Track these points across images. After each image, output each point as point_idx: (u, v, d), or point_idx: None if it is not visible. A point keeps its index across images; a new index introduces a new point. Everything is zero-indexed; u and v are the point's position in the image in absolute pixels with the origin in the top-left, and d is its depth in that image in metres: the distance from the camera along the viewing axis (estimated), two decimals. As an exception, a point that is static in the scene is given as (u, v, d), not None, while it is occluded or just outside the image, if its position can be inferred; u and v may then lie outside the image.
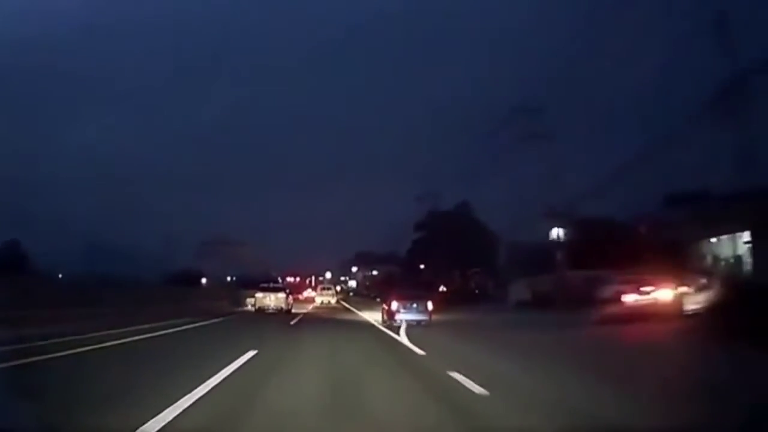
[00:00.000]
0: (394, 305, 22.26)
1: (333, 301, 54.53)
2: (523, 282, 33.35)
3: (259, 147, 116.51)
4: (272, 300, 32.78)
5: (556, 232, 36.95)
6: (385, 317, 23.57)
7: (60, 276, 39.30)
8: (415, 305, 22.26)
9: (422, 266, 44.08)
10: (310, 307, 46.56)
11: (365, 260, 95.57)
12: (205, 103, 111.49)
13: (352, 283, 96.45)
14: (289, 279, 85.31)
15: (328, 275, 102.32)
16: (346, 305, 48.69)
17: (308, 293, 66.74)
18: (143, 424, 4.77)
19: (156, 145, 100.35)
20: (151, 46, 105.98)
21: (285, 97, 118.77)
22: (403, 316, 21.74)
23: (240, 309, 36.10)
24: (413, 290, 25.78)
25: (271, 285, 36.42)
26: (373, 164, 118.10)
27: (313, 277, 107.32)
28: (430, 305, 22.54)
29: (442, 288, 32.54)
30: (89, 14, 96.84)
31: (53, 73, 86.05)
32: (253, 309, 33.46)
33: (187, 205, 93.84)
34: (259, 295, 33.44)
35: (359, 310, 37.72)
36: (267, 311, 31.57)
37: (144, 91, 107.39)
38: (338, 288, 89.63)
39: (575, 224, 35.94)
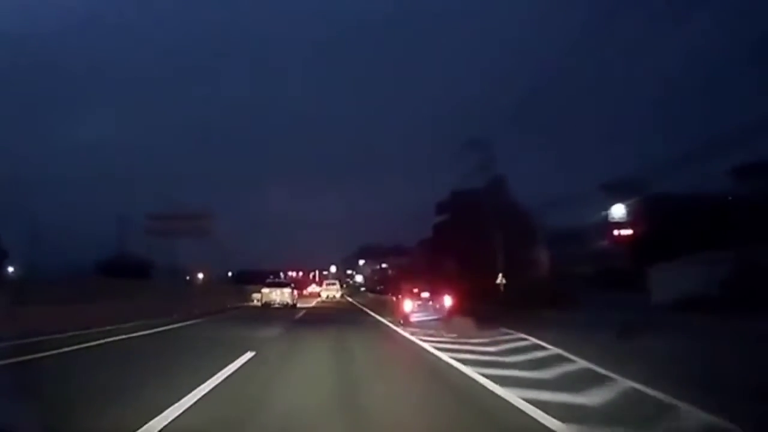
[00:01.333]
0: (408, 305, 19.67)
1: (338, 295, 56.11)
2: (682, 263, 18.83)
3: (259, 143, 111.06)
4: (278, 295, 33.52)
5: (618, 210, 30.09)
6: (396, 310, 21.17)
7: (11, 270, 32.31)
8: (430, 302, 20.04)
9: (447, 254, 36.80)
10: (314, 302, 45.19)
11: (371, 253, 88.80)
12: (205, 100, 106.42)
13: (359, 278, 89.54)
14: (292, 273, 79.11)
15: (333, 269, 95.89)
16: (358, 304, 40.03)
17: (312, 288, 67.63)
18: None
19: (156, 140, 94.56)
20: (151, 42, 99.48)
21: (286, 93, 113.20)
22: (418, 316, 19.42)
23: (245, 304, 35.59)
24: (430, 284, 22.70)
25: (276, 281, 37.52)
26: (376, 158, 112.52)
27: (317, 272, 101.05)
28: (448, 300, 19.96)
29: (500, 280, 23.66)
30: (87, 11, 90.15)
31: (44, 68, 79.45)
32: (259, 304, 34.02)
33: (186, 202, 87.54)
34: (265, 290, 34.25)
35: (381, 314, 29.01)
36: (273, 306, 32.20)
37: (149, 86, 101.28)
38: (344, 283, 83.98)
39: (642, 201, 28.83)
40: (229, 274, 70.09)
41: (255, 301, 35.62)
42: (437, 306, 19.78)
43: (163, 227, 32.03)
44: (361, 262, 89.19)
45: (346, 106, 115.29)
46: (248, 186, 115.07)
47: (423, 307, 19.71)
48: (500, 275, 23.06)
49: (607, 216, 30.03)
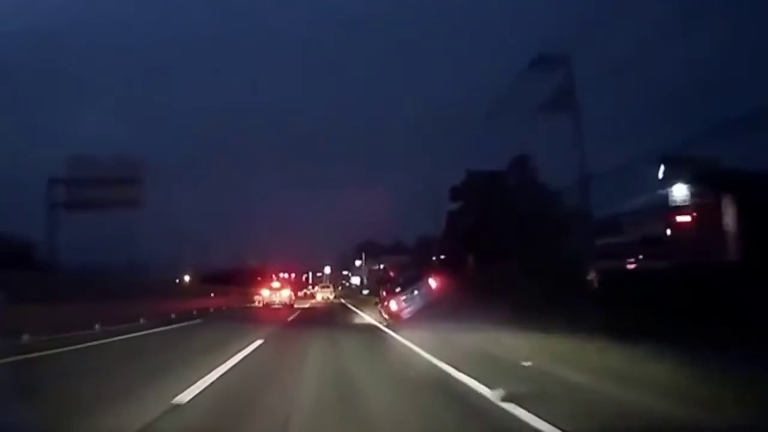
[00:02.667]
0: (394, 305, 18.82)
1: (331, 297, 63.47)
2: None
3: (251, 141, 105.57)
4: (277, 297, 39.31)
5: (680, 191, 24.51)
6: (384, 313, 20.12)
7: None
8: (415, 292, 19.24)
9: (466, 246, 31.01)
10: (309, 303, 50.24)
11: (369, 253, 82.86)
12: (203, 98, 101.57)
13: (355, 279, 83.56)
14: (283, 275, 73.41)
15: (327, 270, 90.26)
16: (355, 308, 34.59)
17: (307, 290, 76.51)
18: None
19: (152, 138, 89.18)
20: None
21: (283, 89, 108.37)
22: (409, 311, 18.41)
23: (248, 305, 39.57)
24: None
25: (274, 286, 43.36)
26: (372, 154, 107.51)
27: (310, 273, 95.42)
28: (432, 282, 19.80)
29: (592, 275, 16.55)
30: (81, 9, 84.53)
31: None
32: (260, 305, 38.91)
33: (180, 202, 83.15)
34: (266, 293, 40.47)
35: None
36: (273, 306, 37.19)
37: (147, 84, 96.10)
38: (340, 285, 78.67)
39: (710, 179, 23.25)
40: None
41: (257, 303, 40.22)
42: (423, 291, 18.99)
43: (74, 198, 22.83)
44: (358, 262, 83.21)
45: (345, 102, 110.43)
46: (244, 185, 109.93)
47: (409, 300, 18.78)
48: (591, 273, 16.37)
49: (665, 197, 24.40)
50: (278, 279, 60.18)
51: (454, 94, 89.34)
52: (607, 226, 24.97)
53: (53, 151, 61.36)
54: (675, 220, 24.14)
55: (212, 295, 34.89)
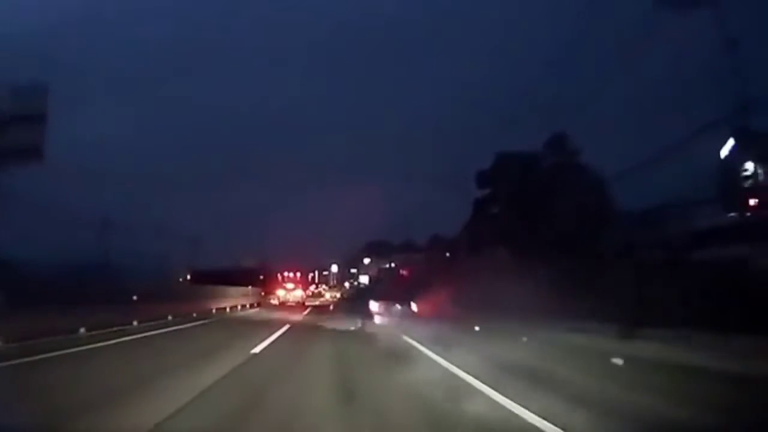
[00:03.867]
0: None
1: (338, 295, 69.45)
2: None
3: (254, 138, 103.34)
4: (291, 296, 47.20)
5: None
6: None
7: None
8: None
9: (497, 239, 27.91)
10: (318, 301, 56.49)
11: (378, 251, 79.95)
12: (206, 98, 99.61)
13: (364, 278, 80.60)
14: (289, 274, 70.56)
15: (335, 269, 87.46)
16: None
17: (314, 289, 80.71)
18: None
19: (153, 142, 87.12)
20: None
21: (274, 87, 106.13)
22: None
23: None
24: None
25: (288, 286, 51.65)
26: (379, 152, 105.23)
27: (317, 272, 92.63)
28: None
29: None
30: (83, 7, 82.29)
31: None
32: (277, 302, 43.63)
33: (187, 204, 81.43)
34: (281, 293, 47.94)
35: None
36: (288, 303, 42.79)
37: (147, 84, 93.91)
38: (349, 283, 76.12)
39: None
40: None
41: (274, 301, 44.80)
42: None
43: None
44: (367, 260, 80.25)
45: (348, 102, 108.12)
46: (246, 184, 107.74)
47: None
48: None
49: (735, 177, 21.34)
50: (290, 280, 67.38)
51: (455, 93, 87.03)
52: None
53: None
54: (747, 203, 21.05)
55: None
